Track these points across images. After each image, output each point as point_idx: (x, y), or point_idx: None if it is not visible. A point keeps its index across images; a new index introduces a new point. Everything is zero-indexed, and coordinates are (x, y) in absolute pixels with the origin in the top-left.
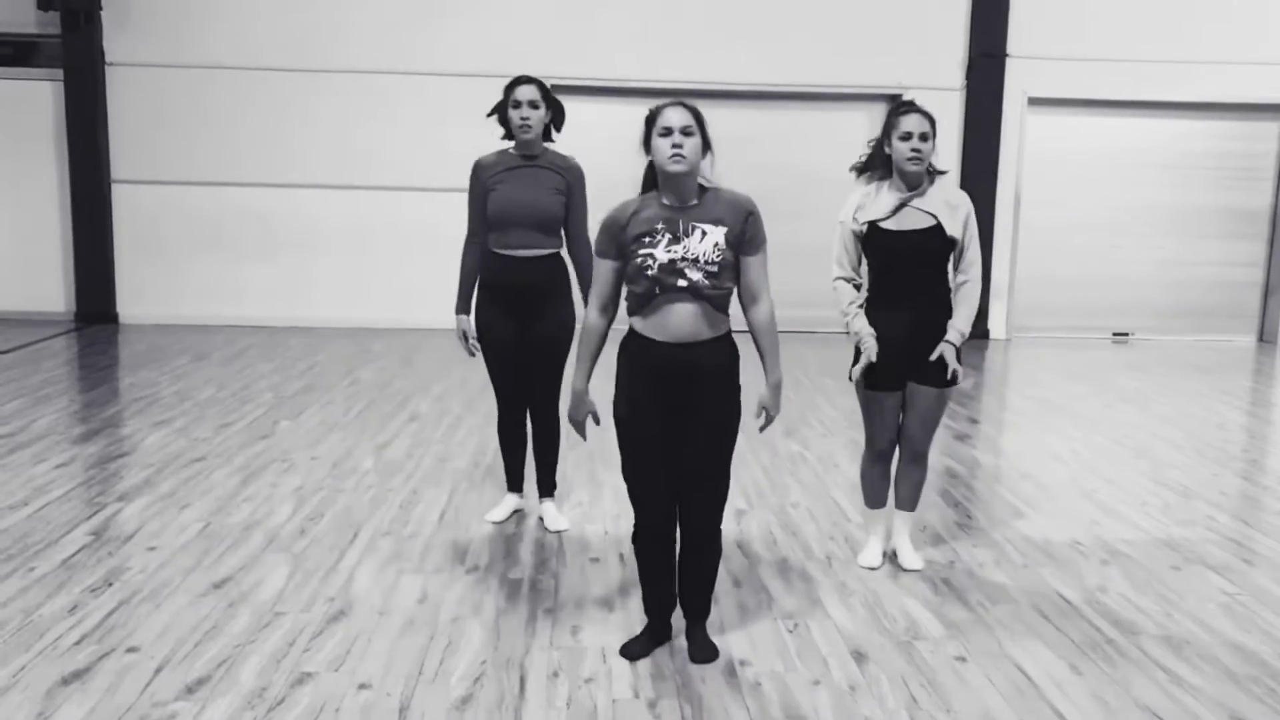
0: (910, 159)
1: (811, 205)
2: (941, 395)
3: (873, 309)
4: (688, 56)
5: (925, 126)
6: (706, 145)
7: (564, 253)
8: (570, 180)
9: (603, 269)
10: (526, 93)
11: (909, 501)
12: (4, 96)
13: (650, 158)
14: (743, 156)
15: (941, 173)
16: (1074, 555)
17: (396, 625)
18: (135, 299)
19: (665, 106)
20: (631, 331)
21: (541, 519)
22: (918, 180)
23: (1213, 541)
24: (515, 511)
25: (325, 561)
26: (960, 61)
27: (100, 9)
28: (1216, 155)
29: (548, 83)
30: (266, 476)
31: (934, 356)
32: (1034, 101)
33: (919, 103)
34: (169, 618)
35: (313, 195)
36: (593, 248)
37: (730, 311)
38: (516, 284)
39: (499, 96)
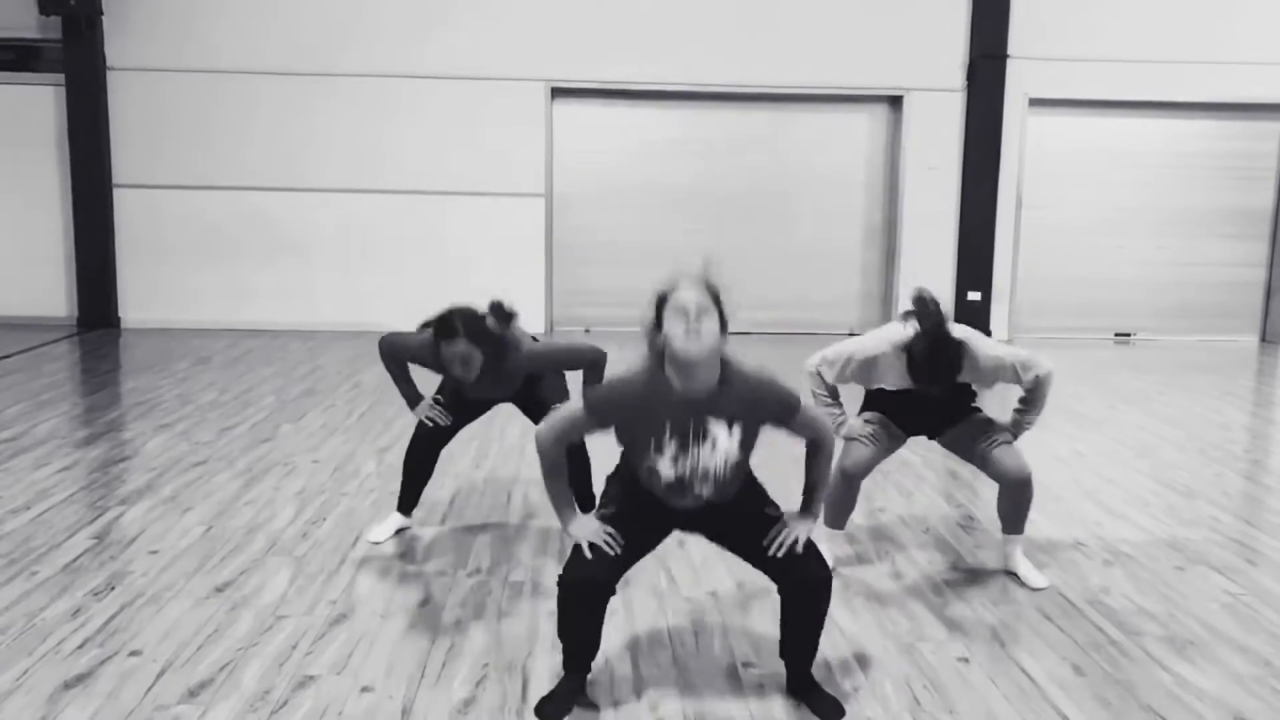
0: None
1: (811, 207)
2: (976, 418)
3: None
4: (689, 59)
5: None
6: (724, 324)
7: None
8: (523, 384)
9: (579, 423)
10: (458, 352)
11: (1017, 525)
12: (6, 101)
13: (661, 343)
14: (743, 158)
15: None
16: (1077, 556)
17: (399, 628)
18: (137, 303)
19: (678, 286)
20: (632, 474)
21: None
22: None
23: (1216, 542)
24: (400, 530)
25: (327, 565)
26: (961, 63)
27: (102, 14)
28: (1218, 155)
29: (550, 86)
30: (268, 480)
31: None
32: (1035, 102)
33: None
34: (171, 621)
35: (314, 199)
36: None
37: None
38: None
39: (505, 99)
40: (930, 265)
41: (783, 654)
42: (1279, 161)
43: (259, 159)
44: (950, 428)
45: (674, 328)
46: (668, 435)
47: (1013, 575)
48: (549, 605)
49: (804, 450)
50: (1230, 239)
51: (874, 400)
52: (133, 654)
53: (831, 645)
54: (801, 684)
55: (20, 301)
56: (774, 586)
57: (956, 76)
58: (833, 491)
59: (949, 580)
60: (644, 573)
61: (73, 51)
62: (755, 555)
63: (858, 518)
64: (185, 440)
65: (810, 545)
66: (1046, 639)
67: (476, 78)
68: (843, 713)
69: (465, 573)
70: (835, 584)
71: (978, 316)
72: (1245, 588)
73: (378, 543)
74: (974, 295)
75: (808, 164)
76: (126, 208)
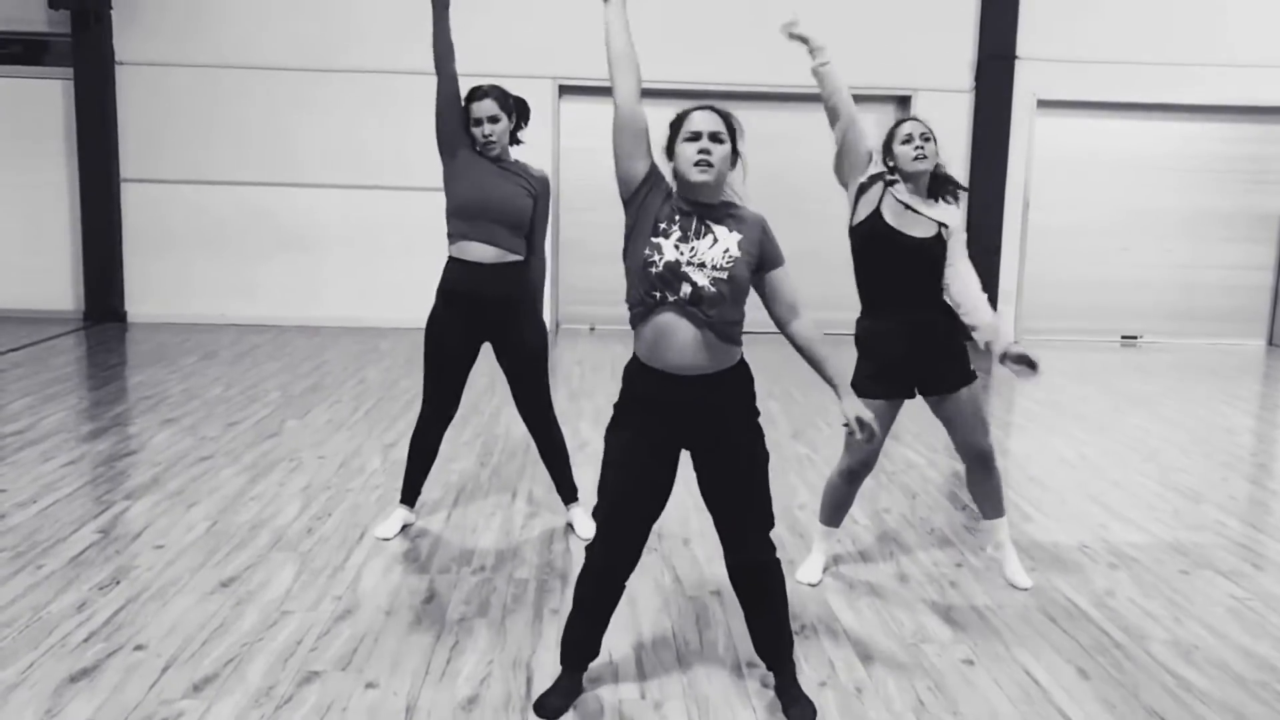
0: (915, 159)
1: (819, 207)
2: (973, 391)
3: (868, 319)
4: (696, 57)
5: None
6: (736, 155)
7: None
8: (538, 190)
9: (639, 122)
10: (486, 108)
11: (995, 508)
12: (15, 95)
13: (673, 165)
14: (750, 158)
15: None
16: (1082, 559)
17: (403, 624)
18: (143, 297)
19: (693, 109)
20: (633, 354)
21: (571, 526)
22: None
23: (1221, 546)
24: (405, 526)
25: (332, 560)
26: (969, 63)
27: (110, 8)
28: (1226, 158)
29: (558, 83)
30: (274, 475)
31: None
32: (1043, 103)
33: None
34: (176, 616)
35: (321, 194)
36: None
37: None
38: (488, 297)
39: (528, 95)
40: None
41: (756, 650)
42: None
43: (266, 154)
44: (945, 381)
45: (685, 150)
46: (675, 223)
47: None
48: (553, 603)
49: (789, 337)
50: (1238, 242)
51: (870, 350)
52: (138, 648)
53: (836, 644)
54: (781, 682)
55: (27, 295)
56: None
57: (965, 77)
58: (834, 492)
59: (954, 581)
60: (649, 571)
61: (81, 45)
62: (721, 503)
63: (862, 518)
64: (191, 435)
65: (762, 528)
66: (1051, 641)
67: (484, 74)
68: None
69: (470, 570)
70: (840, 585)
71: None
72: (1250, 592)
73: (385, 539)
74: None
75: (815, 164)
76: (133, 202)
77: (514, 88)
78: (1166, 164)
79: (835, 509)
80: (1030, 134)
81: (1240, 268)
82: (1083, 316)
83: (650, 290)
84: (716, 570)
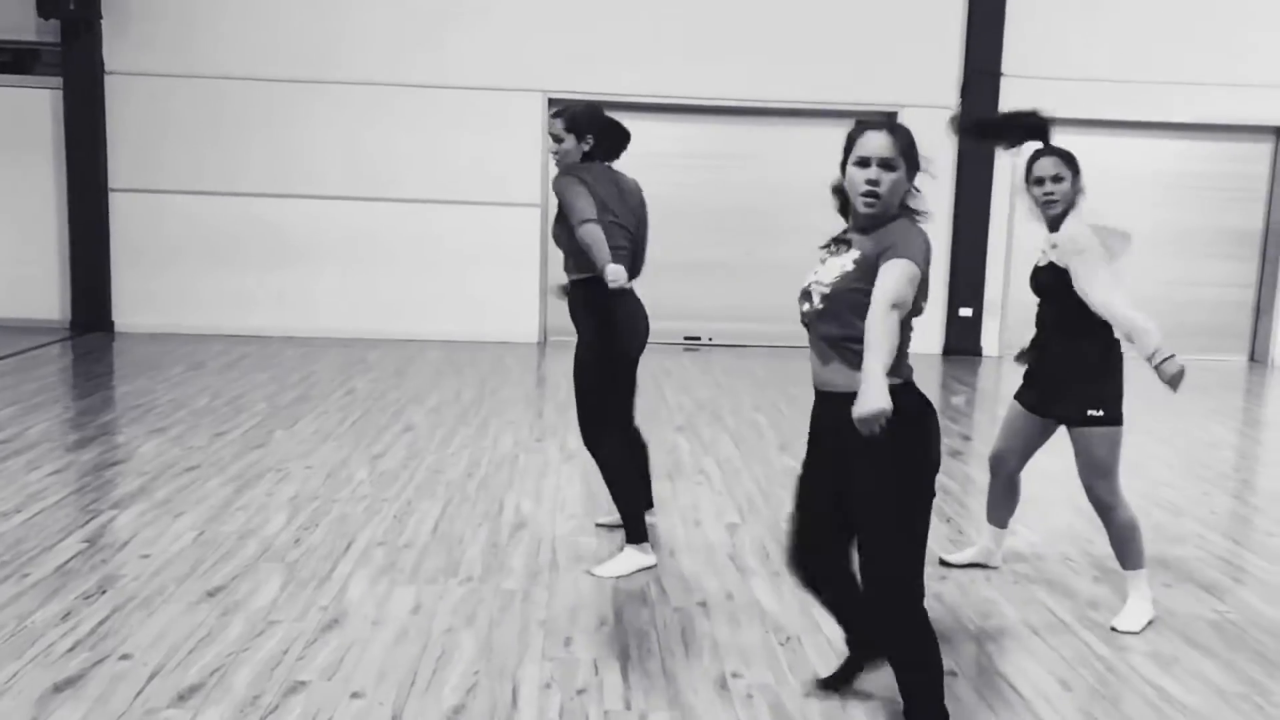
0: (1045, 203)
1: (807, 222)
2: (1085, 434)
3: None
4: (687, 73)
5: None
6: (914, 171)
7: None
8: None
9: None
10: (552, 125)
11: (1119, 558)
12: (4, 104)
13: (845, 182)
14: (738, 173)
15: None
16: (1065, 571)
17: (390, 635)
18: (131, 307)
19: (867, 129)
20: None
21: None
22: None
23: (1203, 560)
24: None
25: (319, 571)
26: (955, 80)
27: (100, 18)
28: (1209, 176)
29: (547, 96)
30: (261, 486)
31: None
32: None
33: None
34: (162, 625)
35: (310, 206)
36: None
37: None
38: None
39: (502, 109)
40: None
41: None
42: (1269, 183)
43: (255, 165)
44: (1052, 409)
45: (854, 175)
46: (829, 249)
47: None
48: (539, 614)
49: None
50: (1220, 259)
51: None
52: (123, 658)
53: (819, 655)
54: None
55: (14, 304)
56: (765, 599)
57: (951, 94)
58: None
59: (938, 594)
60: (635, 581)
61: (71, 55)
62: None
63: None
64: (178, 445)
65: (869, 565)
66: (1034, 653)
67: (474, 87)
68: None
69: (456, 581)
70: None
71: (969, 333)
72: (1231, 605)
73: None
74: (965, 311)
75: (802, 178)
76: (122, 212)
77: (504, 100)
78: (1150, 181)
79: (990, 504)
80: (1016, 151)
81: (1223, 284)
82: None
83: (800, 310)
84: (704, 582)
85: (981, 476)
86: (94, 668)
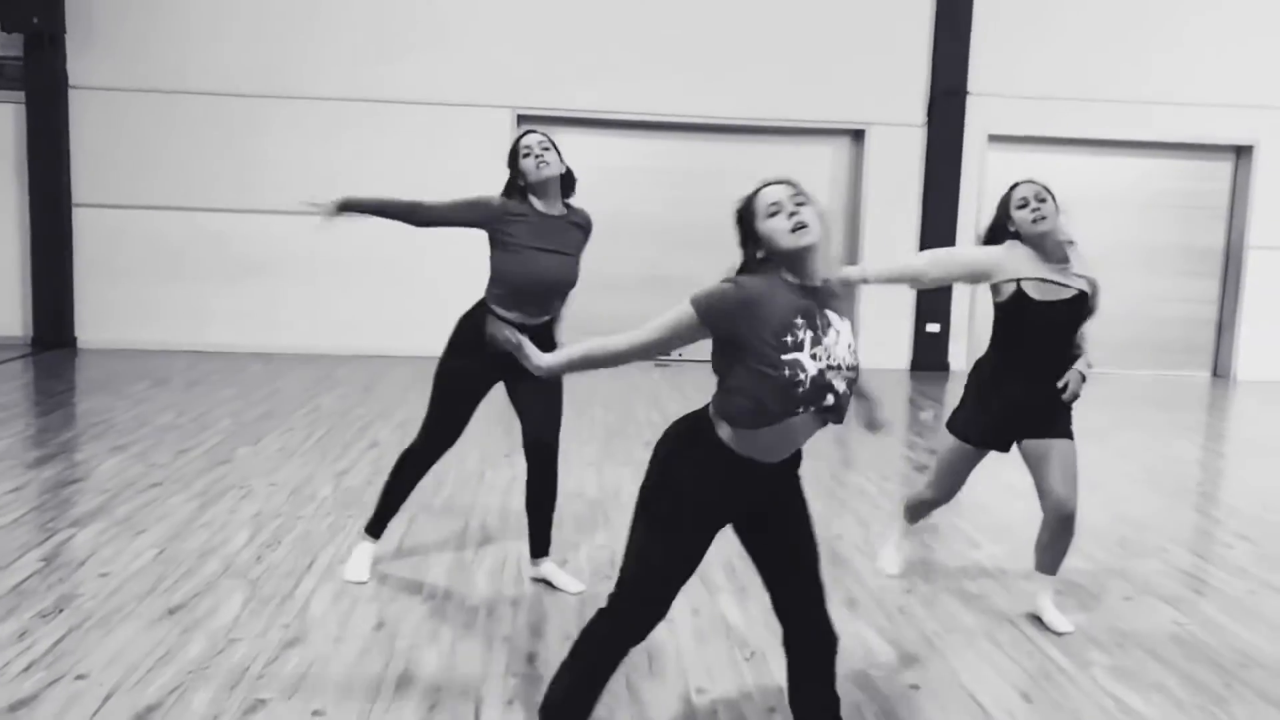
0: (1034, 221)
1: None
2: (1071, 448)
3: (1000, 377)
4: (656, 90)
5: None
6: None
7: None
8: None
9: (686, 322)
10: (535, 135)
11: (1053, 566)
12: None
13: (764, 250)
14: (709, 190)
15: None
16: (1029, 585)
17: (352, 652)
18: (95, 324)
19: (760, 188)
20: (718, 445)
21: (550, 583)
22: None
23: (1165, 573)
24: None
25: (281, 588)
26: (922, 98)
27: (64, 32)
28: (1172, 193)
29: (515, 113)
30: (224, 503)
31: (1063, 383)
32: (994, 138)
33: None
34: (120, 644)
35: (275, 221)
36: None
37: None
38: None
39: (470, 125)
40: (890, 296)
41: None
42: (1230, 200)
43: (221, 180)
44: (1048, 426)
45: (775, 224)
46: (800, 326)
47: (1036, 619)
48: (503, 630)
49: None
50: (1183, 276)
51: (979, 393)
52: (79, 677)
53: (784, 670)
54: None
55: None
56: (730, 615)
57: (918, 112)
58: (916, 504)
59: (902, 607)
60: (599, 601)
61: (34, 69)
62: (795, 573)
63: None
64: (140, 462)
65: (824, 601)
66: (996, 667)
67: (441, 103)
68: None
69: (420, 598)
70: None
71: (936, 348)
72: (1192, 618)
73: (363, 582)
74: (932, 327)
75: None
76: (85, 227)
77: (471, 116)
78: (1114, 198)
79: (918, 516)
80: (982, 168)
81: (1185, 300)
82: None
83: (793, 408)
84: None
85: None
86: (49, 688)
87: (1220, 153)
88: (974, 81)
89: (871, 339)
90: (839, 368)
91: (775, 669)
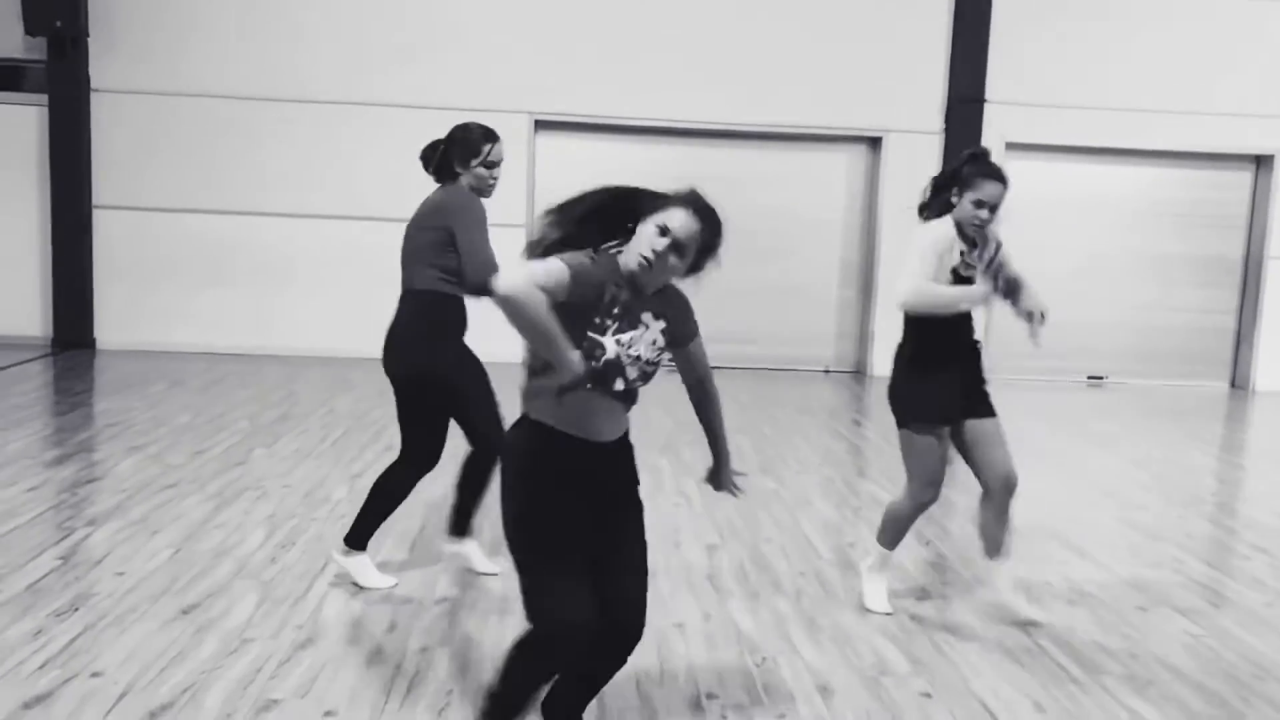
0: (977, 227)
1: (794, 245)
2: (1000, 423)
3: (934, 358)
4: (669, 95)
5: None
6: (695, 270)
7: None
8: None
9: (557, 276)
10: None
11: (1007, 547)
12: None
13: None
14: (728, 197)
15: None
16: (1042, 594)
17: (364, 654)
18: (114, 325)
19: (681, 202)
20: (529, 424)
21: (472, 567)
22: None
23: (1179, 584)
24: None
25: (295, 590)
26: (940, 106)
27: (87, 35)
28: (1191, 203)
29: (534, 118)
30: (239, 504)
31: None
32: (1011, 146)
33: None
34: (135, 643)
35: (294, 224)
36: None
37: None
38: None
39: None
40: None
41: (549, 713)
42: (1249, 210)
43: (240, 183)
44: (977, 404)
45: (644, 236)
46: (614, 314)
47: (999, 607)
48: (514, 633)
49: (691, 398)
50: (1202, 286)
51: (932, 375)
52: (94, 675)
53: (794, 676)
54: None
55: None
56: (742, 621)
57: (935, 119)
58: (903, 522)
59: (914, 615)
60: None
61: (56, 72)
62: (604, 574)
63: (826, 552)
64: (157, 463)
65: (643, 597)
66: (1008, 676)
67: (462, 108)
68: None
69: (433, 600)
70: (802, 618)
71: None
72: (1206, 629)
73: (394, 585)
74: None
75: (787, 202)
76: (106, 229)
77: (490, 121)
78: (1133, 208)
79: (897, 536)
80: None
81: (1204, 311)
82: (1048, 356)
83: (581, 382)
84: (681, 603)
85: (960, 499)
86: (64, 685)
87: (1240, 162)
88: (992, 89)
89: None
90: (635, 359)
91: (788, 675)
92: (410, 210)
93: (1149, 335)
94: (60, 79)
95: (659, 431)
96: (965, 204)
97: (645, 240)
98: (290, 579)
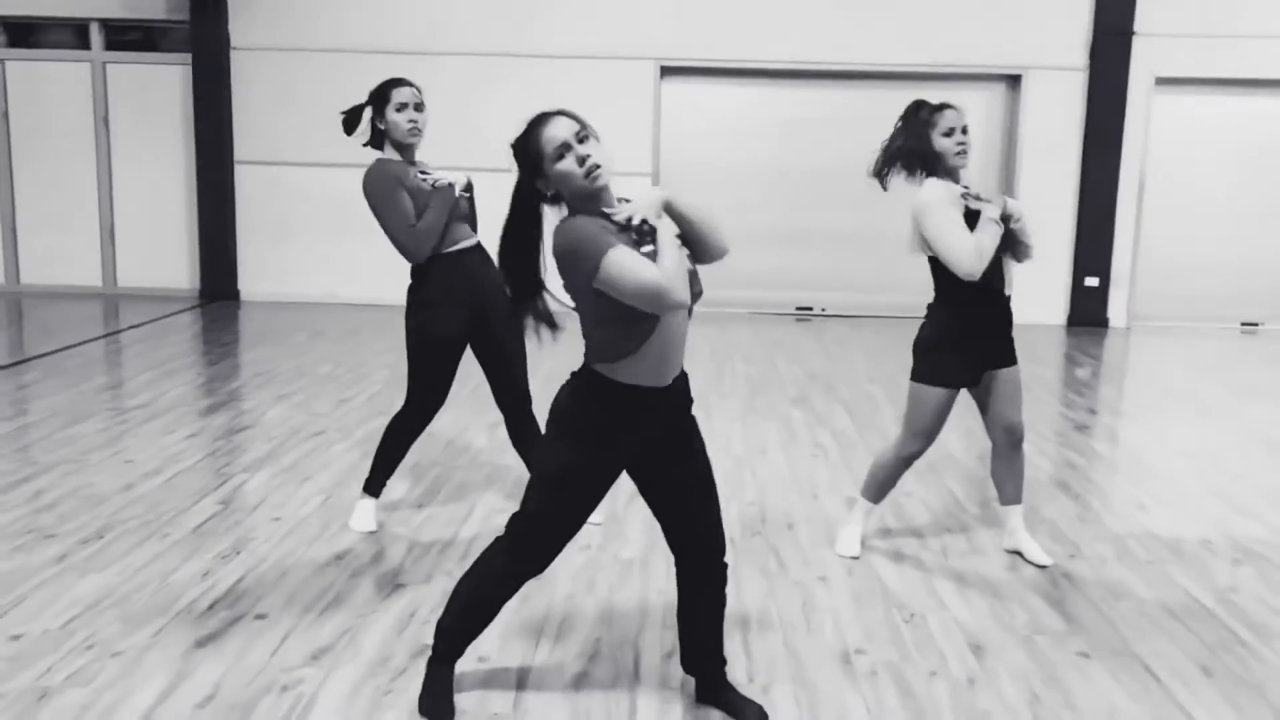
0: (960, 153)
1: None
2: (1019, 371)
3: (960, 310)
4: (802, 38)
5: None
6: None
7: None
8: None
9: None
10: (410, 88)
11: (1019, 493)
12: (135, 81)
13: (557, 188)
14: (854, 139)
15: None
16: (1202, 553)
17: (513, 600)
18: (256, 277)
19: (544, 120)
20: (611, 386)
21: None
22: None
23: None
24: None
25: (442, 535)
26: (1084, 40)
27: None
28: None
29: (659, 64)
30: None
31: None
32: (1161, 81)
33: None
34: (294, 586)
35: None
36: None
37: None
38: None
39: (615, 77)
40: (1046, 250)
41: (687, 657)
42: None
43: None
44: (1000, 353)
45: (566, 167)
46: (652, 236)
47: (1017, 554)
48: (657, 584)
49: None
50: None
51: (959, 337)
52: (258, 617)
53: (944, 633)
54: (716, 685)
55: (148, 274)
56: (886, 575)
57: (1079, 55)
58: (889, 471)
59: (1067, 573)
60: (753, 555)
61: (198, 32)
62: (683, 503)
63: (972, 507)
64: (303, 411)
65: (720, 518)
66: (1172, 637)
67: (586, 56)
68: (765, 717)
69: (576, 548)
70: (950, 574)
71: (1095, 303)
72: None
73: (373, 531)
74: (1091, 281)
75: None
76: (247, 184)
77: (616, 68)
78: None
79: (883, 487)
80: (1147, 114)
81: None
82: (1200, 302)
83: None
84: (823, 556)
85: (1107, 451)
86: (232, 626)
87: None
88: (1141, 20)
89: (1025, 294)
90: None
91: (936, 632)
92: None
93: None
94: (201, 38)
95: (790, 382)
96: (939, 140)
97: (571, 172)
98: (436, 526)
